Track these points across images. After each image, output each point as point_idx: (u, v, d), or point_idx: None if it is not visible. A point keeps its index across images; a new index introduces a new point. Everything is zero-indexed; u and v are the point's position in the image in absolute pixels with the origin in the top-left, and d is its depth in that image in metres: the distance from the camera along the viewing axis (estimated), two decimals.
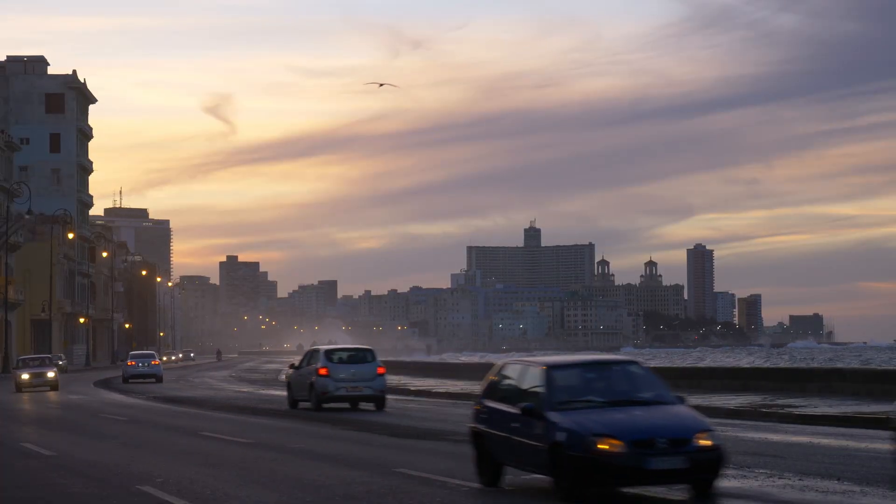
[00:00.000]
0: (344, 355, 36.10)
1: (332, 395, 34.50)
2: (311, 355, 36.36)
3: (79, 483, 17.70)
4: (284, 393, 51.30)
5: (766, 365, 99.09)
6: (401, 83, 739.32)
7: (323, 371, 34.52)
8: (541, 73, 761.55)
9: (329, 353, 35.92)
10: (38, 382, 55.37)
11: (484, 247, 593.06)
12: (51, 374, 56.01)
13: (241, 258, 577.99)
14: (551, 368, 15.99)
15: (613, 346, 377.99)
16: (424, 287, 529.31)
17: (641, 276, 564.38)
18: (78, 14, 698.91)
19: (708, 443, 14.96)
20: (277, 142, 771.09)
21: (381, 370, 35.27)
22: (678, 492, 15.00)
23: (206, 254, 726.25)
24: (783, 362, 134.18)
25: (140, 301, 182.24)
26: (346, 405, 35.19)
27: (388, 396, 36.96)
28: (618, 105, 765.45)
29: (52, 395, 51.63)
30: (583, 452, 14.58)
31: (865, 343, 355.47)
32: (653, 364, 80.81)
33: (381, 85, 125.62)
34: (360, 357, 35.94)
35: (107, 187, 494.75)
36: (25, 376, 55.41)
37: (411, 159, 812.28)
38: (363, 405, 34.92)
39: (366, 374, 34.93)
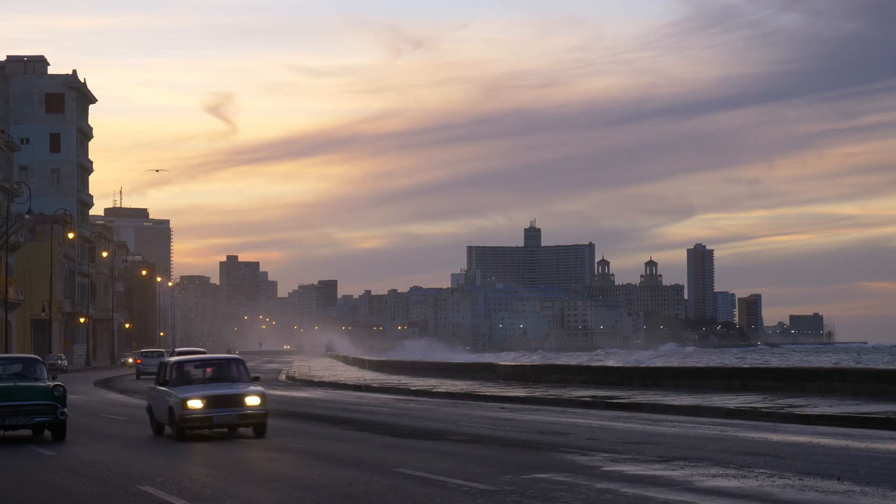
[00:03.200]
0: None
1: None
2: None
3: (79, 483, 17.71)
4: (285, 393, 51.66)
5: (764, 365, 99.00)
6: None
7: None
8: (542, 73, 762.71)
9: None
10: (225, 420, 25.47)
11: (484, 247, 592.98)
12: (254, 402, 25.41)
13: (241, 258, 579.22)
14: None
15: (593, 346, 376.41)
16: (424, 287, 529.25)
17: (641, 276, 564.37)
18: (78, 14, 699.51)
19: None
20: (278, 141, 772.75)
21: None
22: (677, 491, 15.00)
23: (206, 254, 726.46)
24: (743, 363, 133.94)
25: (140, 301, 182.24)
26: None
27: (389, 396, 45.09)
28: (619, 105, 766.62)
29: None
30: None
31: (865, 343, 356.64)
32: (633, 366, 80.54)
33: (158, 171, 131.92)
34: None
35: (107, 187, 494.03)
36: (197, 404, 25.11)
37: (412, 159, 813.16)
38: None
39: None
